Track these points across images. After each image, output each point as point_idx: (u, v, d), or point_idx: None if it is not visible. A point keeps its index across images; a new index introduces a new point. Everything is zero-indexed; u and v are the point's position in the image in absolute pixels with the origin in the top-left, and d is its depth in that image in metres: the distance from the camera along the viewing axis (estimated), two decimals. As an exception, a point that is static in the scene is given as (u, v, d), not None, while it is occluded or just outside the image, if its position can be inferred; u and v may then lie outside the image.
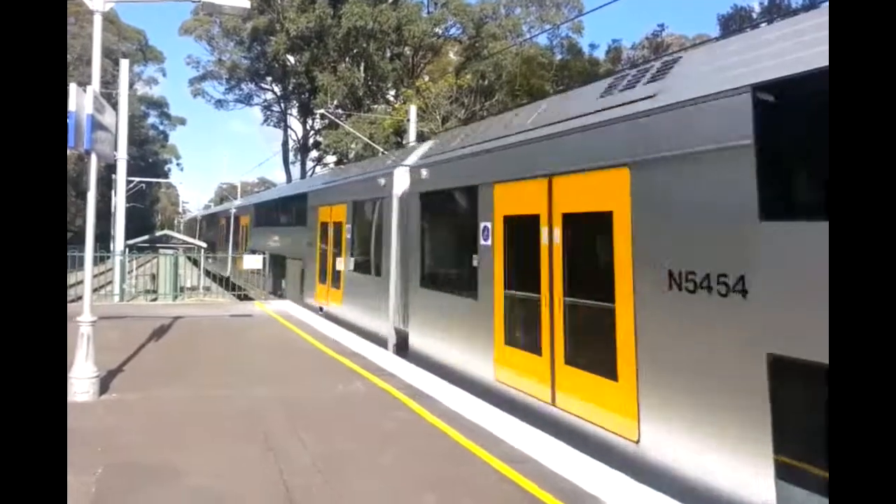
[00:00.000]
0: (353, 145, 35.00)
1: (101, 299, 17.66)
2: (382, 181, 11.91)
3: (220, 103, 55.21)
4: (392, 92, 40.70)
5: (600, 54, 37.04)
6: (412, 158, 11.22)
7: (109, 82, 35.45)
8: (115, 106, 17.81)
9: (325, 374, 8.24)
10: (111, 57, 40.58)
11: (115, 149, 18.03)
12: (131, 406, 6.35)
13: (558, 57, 37.24)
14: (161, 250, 23.62)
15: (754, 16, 22.82)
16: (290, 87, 48.47)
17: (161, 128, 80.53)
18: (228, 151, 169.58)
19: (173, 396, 6.80)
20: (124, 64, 18.69)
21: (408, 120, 25.13)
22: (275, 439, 5.45)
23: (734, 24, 22.59)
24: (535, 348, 6.90)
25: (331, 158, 42.99)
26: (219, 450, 5.21)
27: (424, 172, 9.82)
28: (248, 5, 8.16)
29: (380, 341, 11.08)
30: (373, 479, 4.70)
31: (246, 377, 7.82)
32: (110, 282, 19.03)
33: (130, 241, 23.07)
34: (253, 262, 18.00)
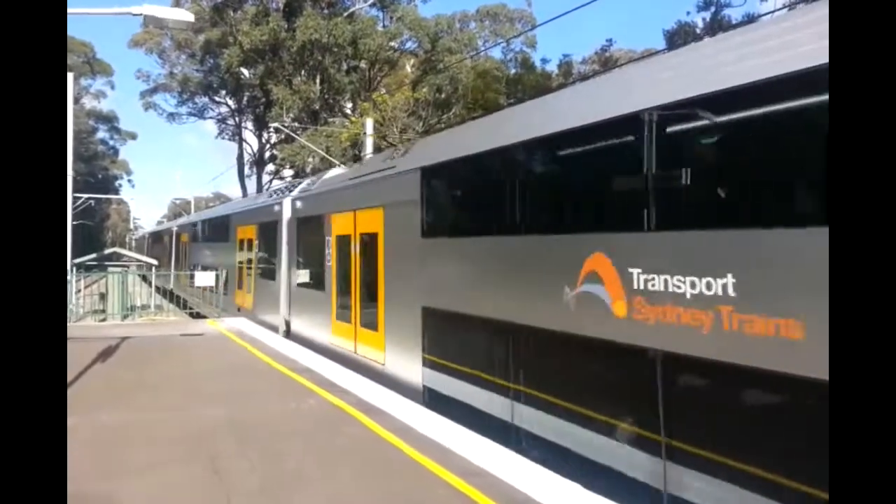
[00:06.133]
0: (309, 159, 34.67)
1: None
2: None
3: (172, 116, 54.29)
4: (349, 105, 40.54)
5: (552, 68, 37.70)
6: None
7: (54, 96, 34.29)
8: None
9: (277, 392, 8.07)
10: (56, 70, 39.33)
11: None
12: (71, 432, 6.07)
13: (512, 71, 37.75)
14: (110, 268, 22.84)
15: (698, 31, 23.73)
16: (245, 101, 47.89)
17: (111, 143, 78.39)
18: (182, 166, 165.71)
19: (116, 420, 6.55)
20: (69, 77, 18.11)
21: (364, 133, 25.04)
22: (222, 461, 5.30)
23: (679, 38, 23.41)
24: None
25: (288, 172, 42.49)
26: (161, 475, 5.03)
27: None
28: (191, 19, 8.03)
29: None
30: (323, 500, 4.61)
31: (195, 398, 7.60)
32: (56, 302, 18.28)
33: (78, 260, 22.25)
34: (205, 279, 17.58)
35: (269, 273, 15.51)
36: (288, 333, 13.83)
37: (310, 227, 12.89)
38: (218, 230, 22.50)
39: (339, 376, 8.92)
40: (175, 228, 34.32)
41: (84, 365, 9.36)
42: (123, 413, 6.85)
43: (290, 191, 15.52)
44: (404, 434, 6.11)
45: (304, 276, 13.20)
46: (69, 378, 8.42)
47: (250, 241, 17.16)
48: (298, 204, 13.85)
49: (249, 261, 17.26)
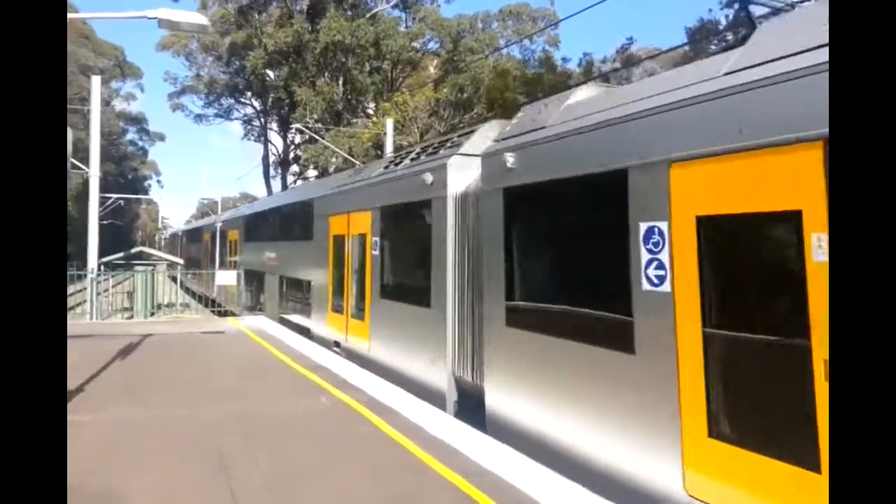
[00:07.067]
0: (332, 159, 34.99)
1: (74, 318, 17.42)
2: None
3: (199, 118, 55.10)
4: (372, 105, 40.81)
5: (572, 66, 37.39)
6: None
7: (85, 98, 35.22)
8: (88, 123, 17.66)
9: (289, 389, 8.16)
10: (87, 73, 40.31)
11: (88, 165, 17.89)
12: (85, 428, 6.22)
13: (533, 70, 37.57)
14: (136, 267, 23.34)
15: (720, 28, 23.32)
16: (270, 102, 48.48)
17: (140, 144, 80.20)
18: (209, 166, 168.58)
19: (129, 417, 6.69)
20: (96, 81, 18.56)
21: (385, 133, 25.19)
22: (229, 459, 5.37)
23: (701, 36, 23.03)
24: None
25: (312, 172, 42.95)
26: (169, 472, 5.11)
27: None
28: (205, 22, 8.13)
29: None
30: (326, 498, 4.64)
31: (208, 395, 7.71)
32: (85, 300, 18.79)
33: (105, 259, 22.79)
34: (226, 278, 17.80)
35: (407, 291, 9.46)
36: (478, 414, 7.03)
37: (550, 208, 6.33)
38: (289, 223, 16.79)
39: (352, 374, 8.98)
40: (219, 224, 28.43)
41: (105, 361, 9.58)
42: (137, 409, 7.00)
43: (454, 145, 8.92)
44: (412, 433, 6.13)
45: (524, 306, 6.51)
46: (90, 373, 8.63)
47: (360, 238, 11.30)
48: (511, 160, 6.65)
49: (358, 269, 11.37)
